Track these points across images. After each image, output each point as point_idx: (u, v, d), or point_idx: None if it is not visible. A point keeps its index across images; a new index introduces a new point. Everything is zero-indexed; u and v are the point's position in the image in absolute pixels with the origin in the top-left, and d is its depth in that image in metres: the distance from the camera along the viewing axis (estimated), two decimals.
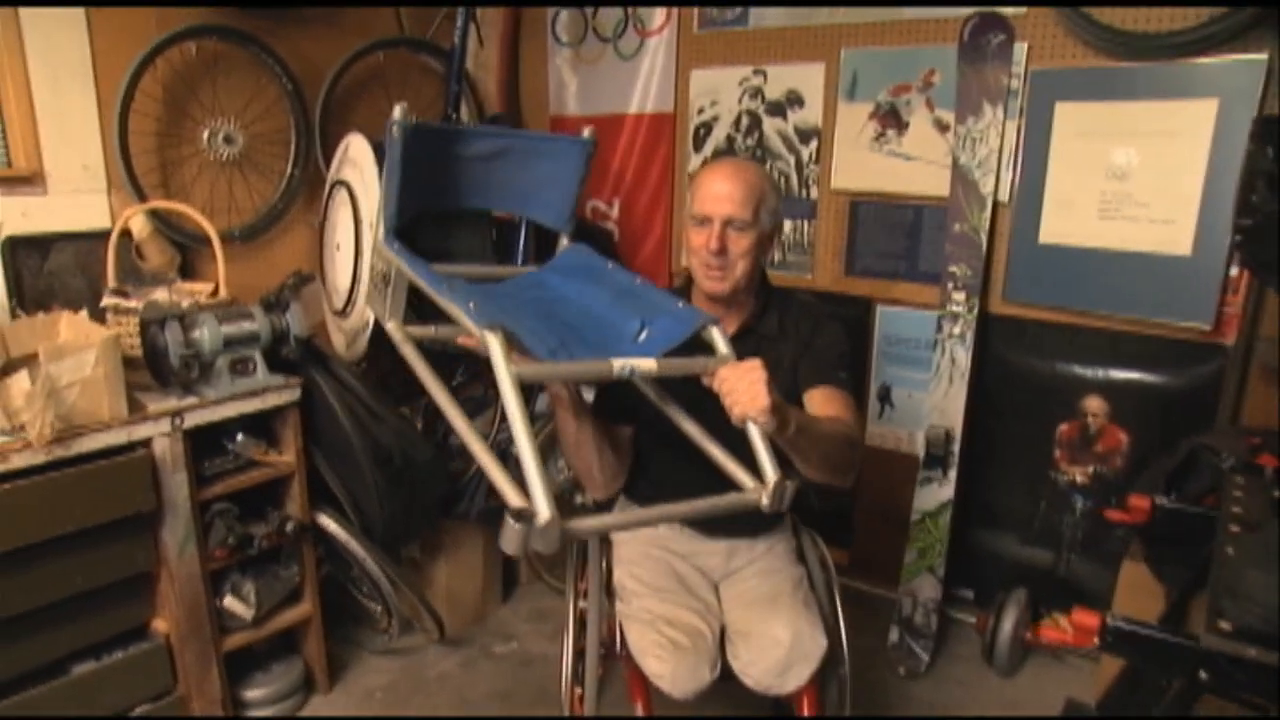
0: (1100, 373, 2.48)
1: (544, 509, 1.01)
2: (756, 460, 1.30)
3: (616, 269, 1.63)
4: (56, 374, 1.77)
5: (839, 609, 1.79)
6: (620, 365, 1.26)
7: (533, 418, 2.85)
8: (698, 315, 1.42)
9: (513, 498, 1.04)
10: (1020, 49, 2.42)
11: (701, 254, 1.68)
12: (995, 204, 2.50)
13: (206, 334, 2.01)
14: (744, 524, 1.84)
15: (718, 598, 1.78)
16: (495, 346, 1.14)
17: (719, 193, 1.66)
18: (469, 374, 2.80)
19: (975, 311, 2.53)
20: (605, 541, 1.94)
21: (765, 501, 1.26)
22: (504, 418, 2.77)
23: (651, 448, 1.80)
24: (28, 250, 2.23)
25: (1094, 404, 2.51)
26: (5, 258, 2.19)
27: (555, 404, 1.64)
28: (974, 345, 2.54)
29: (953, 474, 2.59)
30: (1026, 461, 2.63)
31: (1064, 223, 2.44)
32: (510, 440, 2.72)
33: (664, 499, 1.29)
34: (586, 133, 1.69)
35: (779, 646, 1.58)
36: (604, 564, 1.90)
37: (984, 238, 2.50)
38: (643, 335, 1.40)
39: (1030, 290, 2.53)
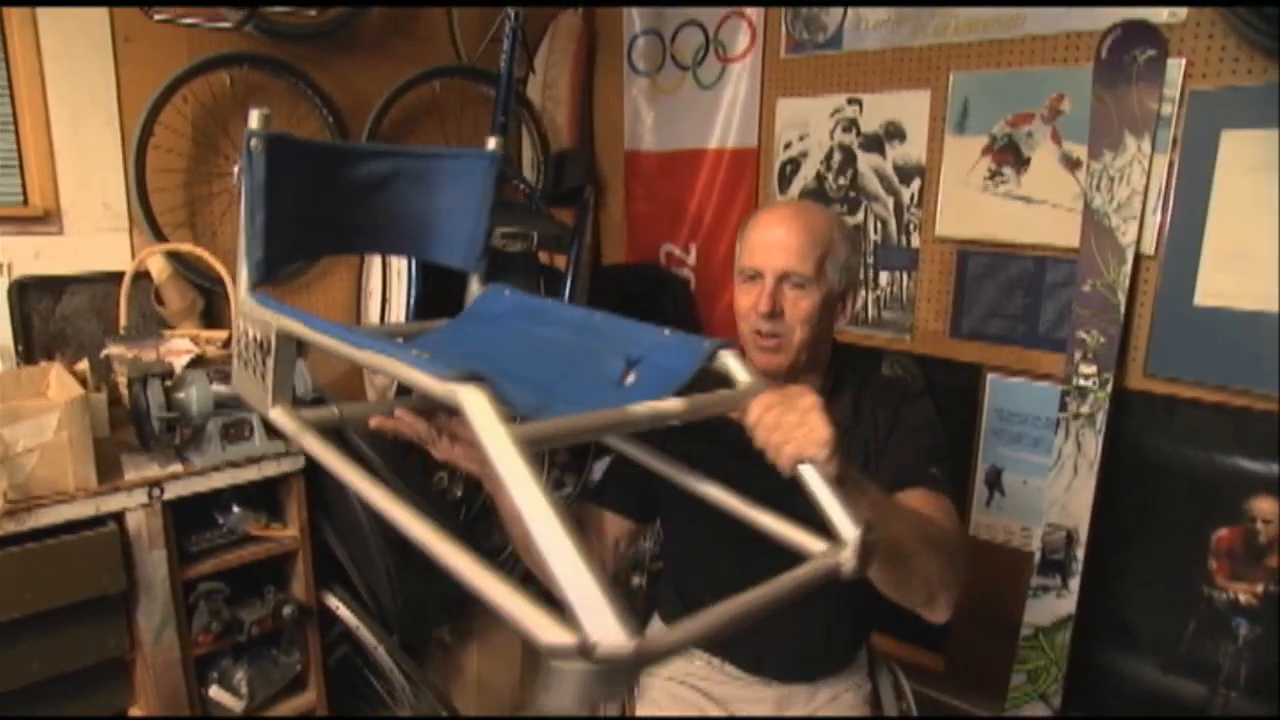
0: (1274, 468, 1.98)
1: (618, 631, 0.62)
2: (824, 515, 0.90)
3: (560, 304, 1.27)
4: (11, 439, 1.57)
5: None
6: (644, 411, 0.89)
7: (588, 488, 2.55)
8: (700, 341, 1.04)
9: (549, 629, 0.64)
10: (1175, 66, 1.97)
11: (750, 318, 1.33)
12: (1137, 257, 2.05)
13: (194, 394, 1.78)
14: (801, 663, 1.46)
15: None
16: (478, 403, 0.76)
17: (772, 240, 1.32)
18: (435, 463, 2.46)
19: (1109, 387, 2.07)
20: None
21: (851, 563, 0.86)
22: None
23: (690, 535, 1.46)
24: (39, 293, 2.09)
25: (1265, 506, 2.00)
26: (13, 301, 2.04)
27: (490, 482, 1.26)
28: (1106, 428, 2.08)
29: (1075, 584, 2.12)
30: (1172, 573, 2.13)
31: (1229, 280, 1.96)
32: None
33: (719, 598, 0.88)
34: (491, 144, 1.34)
35: None
36: (625, 700, 1.56)
37: (1122, 298, 2.05)
38: (630, 377, 1.03)
39: (1181, 363, 2.05)
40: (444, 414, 1.18)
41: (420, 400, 1.21)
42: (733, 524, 1.00)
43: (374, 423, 1.13)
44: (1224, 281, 1.99)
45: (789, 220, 1.33)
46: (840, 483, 0.92)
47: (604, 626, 0.62)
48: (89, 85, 2.10)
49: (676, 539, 1.53)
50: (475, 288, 1.37)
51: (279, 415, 1.07)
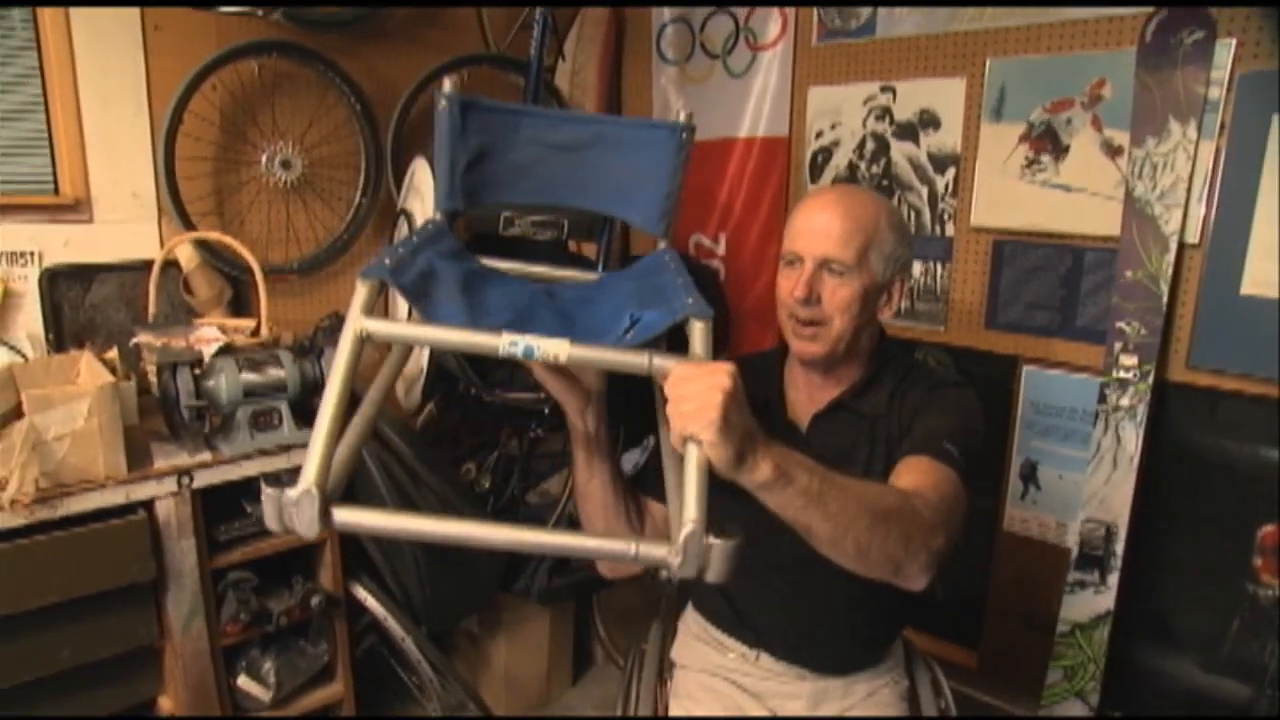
0: None
1: (306, 478, 0.83)
2: (673, 500, 0.90)
3: (678, 270, 1.23)
4: (43, 426, 1.57)
5: None
6: (510, 341, 0.88)
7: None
8: (687, 306, 1.00)
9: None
10: (1224, 48, 1.91)
11: (788, 304, 1.31)
12: (1181, 246, 1.99)
13: (224, 382, 1.78)
14: (837, 657, 1.43)
15: None
16: (359, 296, 0.95)
17: (815, 226, 1.29)
18: (547, 427, 2.49)
19: (1150, 379, 2.02)
20: (664, 661, 1.58)
21: (675, 560, 0.81)
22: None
23: (723, 522, 1.42)
24: (69, 281, 2.09)
25: None
26: (43, 289, 2.04)
27: (570, 436, 1.30)
28: (1146, 421, 2.03)
29: (1113, 580, 2.07)
30: (1215, 569, 2.07)
31: (1277, 270, 1.91)
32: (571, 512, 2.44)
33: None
34: (683, 116, 1.34)
35: None
36: (658, 691, 1.54)
37: (1164, 288, 2.00)
38: (630, 332, 1.03)
39: (1226, 355, 1.99)
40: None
41: None
42: (764, 509, 0.96)
43: None
44: (1272, 271, 1.92)
45: (833, 205, 1.30)
46: (741, 472, 0.88)
47: (306, 474, 0.84)
48: (119, 73, 2.10)
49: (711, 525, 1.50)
50: (661, 247, 1.36)
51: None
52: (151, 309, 2.09)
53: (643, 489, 1.42)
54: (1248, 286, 1.95)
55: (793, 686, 1.44)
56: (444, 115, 1.23)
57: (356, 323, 0.92)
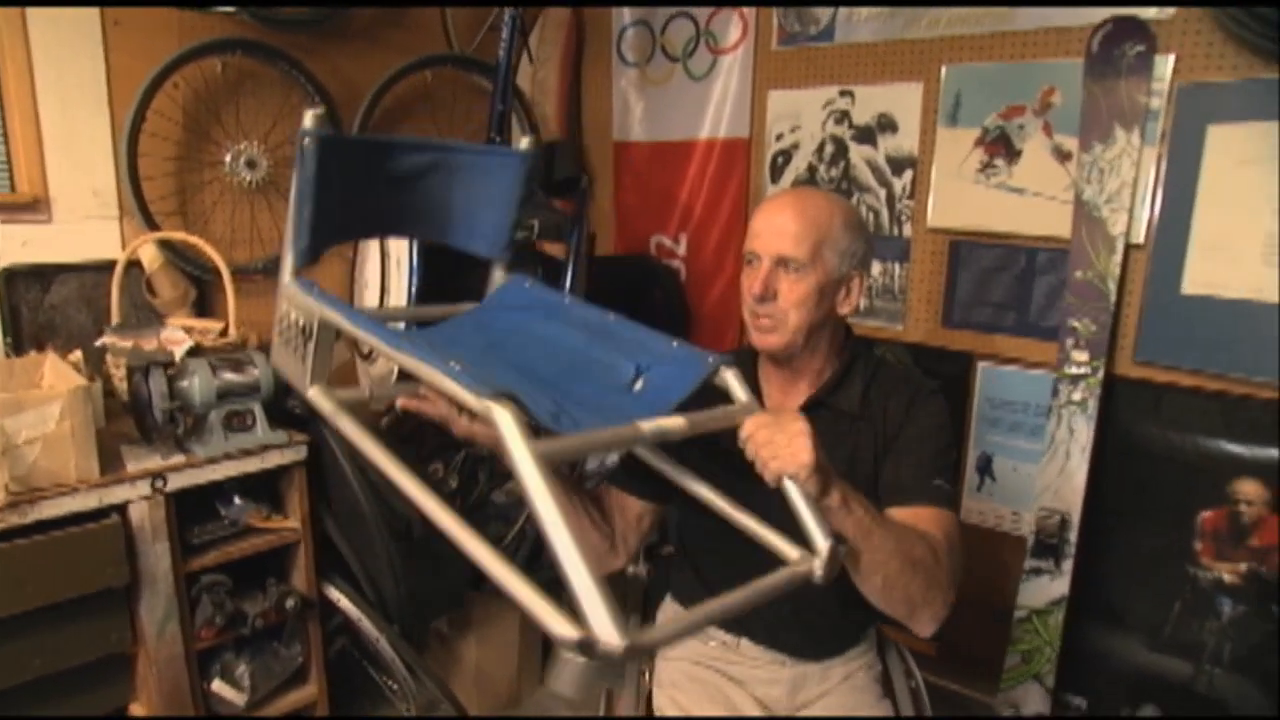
0: (1258, 452, 2.03)
1: (612, 632, 0.74)
2: (803, 526, 1.03)
3: (577, 303, 1.36)
4: (13, 429, 1.54)
5: None
6: (650, 428, 0.99)
7: (584, 475, 2.55)
8: (704, 357, 1.16)
9: (561, 625, 0.77)
10: (1164, 61, 2.02)
11: (747, 299, 1.37)
12: (1127, 246, 2.09)
13: (197, 384, 1.76)
14: (814, 642, 1.48)
15: None
16: (508, 423, 0.86)
17: (771, 226, 1.35)
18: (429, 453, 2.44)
19: (1100, 374, 2.12)
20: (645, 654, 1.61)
21: (819, 572, 1.01)
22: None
23: (703, 519, 1.47)
24: (28, 282, 2.04)
25: (1249, 489, 2.06)
26: (0, 291, 1.99)
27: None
28: (1097, 414, 2.13)
29: (1068, 566, 2.17)
30: (1160, 554, 2.18)
31: (1215, 269, 2.02)
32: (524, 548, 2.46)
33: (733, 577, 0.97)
34: (525, 143, 1.40)
35: None
36: (641, 680, 1.57)
37: (1113, 286, 2.10)
38: (639, 384, 1.13)
39: (1169, 350, 2.10)
40: None
41: None
42: (736, 533, 1.11)
43: (401, 403, 1.17)
44: (1210, 270, 2.04)
45: (789, 207, 1.36)
46: (822, 498, 1.05)
47: (607, 629, 0.74)
48: (78, 70, 2.05)
49: (690, 521, 1.54)
50: (499, 276, 1.45)
51: (316, 395, 1.13)
52: (115, 310, 2.05)
53: (617, 484, 1.49)
54: (1188, 286, 2.06)
55: (773, 672, 1.49)
56: (310, 156, 1.13)
57: (532, 451, 0.85)
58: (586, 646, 0.74)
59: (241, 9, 2.18)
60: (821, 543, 1.01)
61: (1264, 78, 1.92)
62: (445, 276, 1.47)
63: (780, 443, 1.04)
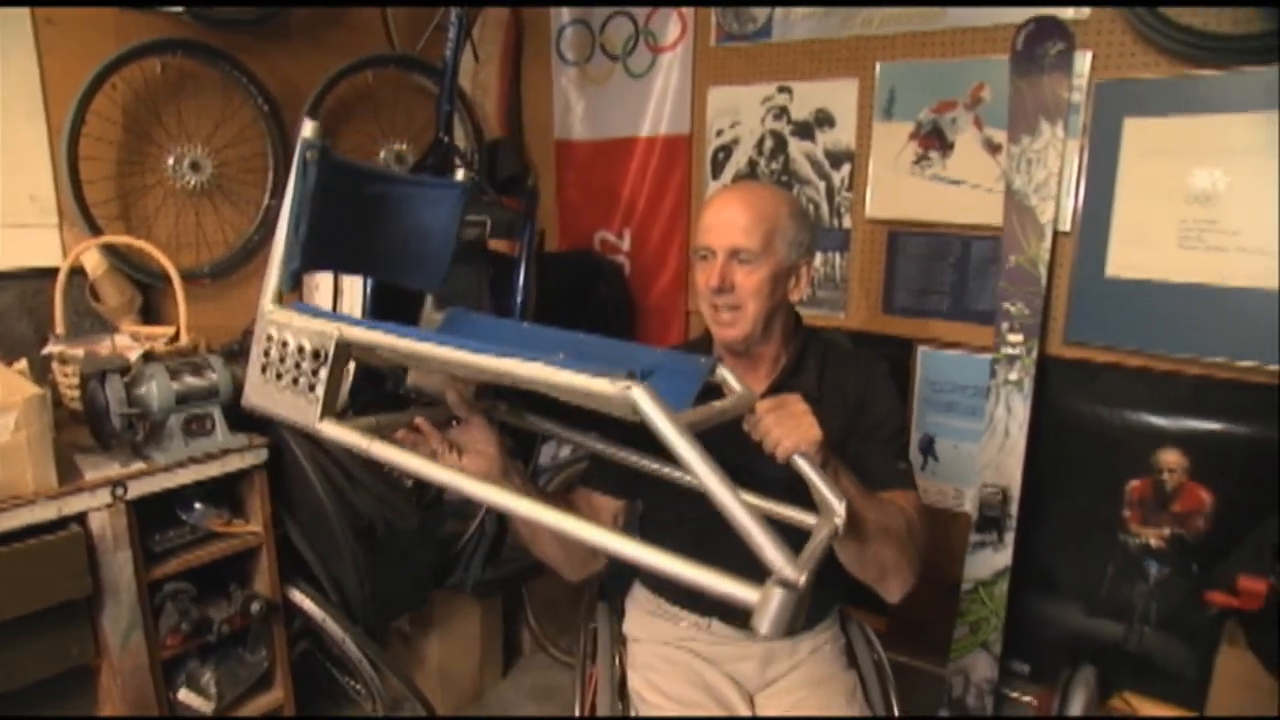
0: (1178, 423, 2.18)
1: (799, 571, 0.82)
2: (818, 493, 1.12)
3: (535, 326, 1.38)
4: None
5: None
6: (720, 406, 1.10)
7: (537, 471, 2.57)
8: (696, 359, 1.21)
9: (785, 564, 0.82)
10: (1083, 59, 2.15)
11: (706, 294, 1.42)
12: (1056, 233, 2.22)
13: (155, 389, 1.73)
14: None
15: (754, 713, 1.48)
16: (649, 402, 0.87)
17: (722, 220, 1.40)
18: None
19: (1034, 354, 2.23)
20: (619, 640, 1.65)
21: (843, 527, 1.09)
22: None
23: (671, 507, 1.52)
24: None
25: (1170, 458, 2.20)
26: None
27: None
28: (1033, 393, 2.25)
29: (1010, 538, 2.28)
30: (1092, 522, 2.32)
31: (1135, 254, 2.15)
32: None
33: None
34: (460, 175, 1.41)
35: None
36: (617, 665, 1.61)
37: (1043, 271, 2.21)
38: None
39: (1096, 330, 2.23)
40: (447, 427, 1.30)
41: (437, 413, 1.30)
42: (710, 524, 1.11)
43: (400, 435, 1.20)
44: (1130, 254, 2.17)
45: (737, 200, 1.41)
46: (824, 469, 1.15)
47: (790, 565, 0.82)
48: (9, 73, 1.99)
49: (658, 511, 1.59)
50: (429, 307, 1.40)
51: (332, 428, 1.05)
52: (58, 318, 2.00)
53: (590, 485, 1.55)
54: (1112, 268, 2.20)
55: (743, 649, 1.54)
56: (312, 170, 1.08)
57: (678, 424, 0.88)
58: (792, 584, 0.81)
59: (182, 8, 2.14)
60: (838, 503, 1.10)
61: (1173, 75, 2.05)
62: (398, 306, 1.45)
63: (790, 424, 1.14)
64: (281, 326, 1.08)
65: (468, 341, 0.99)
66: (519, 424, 1.39)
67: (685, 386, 1.15)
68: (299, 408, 1.06)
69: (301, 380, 1.05)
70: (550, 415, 1.36)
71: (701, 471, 0.85)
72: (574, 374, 0.89)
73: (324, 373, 1.02)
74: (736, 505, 0.85)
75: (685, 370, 1.18)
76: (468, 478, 1.00)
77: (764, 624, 0.81)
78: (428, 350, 1.00)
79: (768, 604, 0.81)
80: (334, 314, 1.10)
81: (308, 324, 1.05)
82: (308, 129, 1.08)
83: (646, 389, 0.87)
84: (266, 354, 1.09)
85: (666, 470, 1.27)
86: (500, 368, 0.94)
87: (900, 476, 1.43)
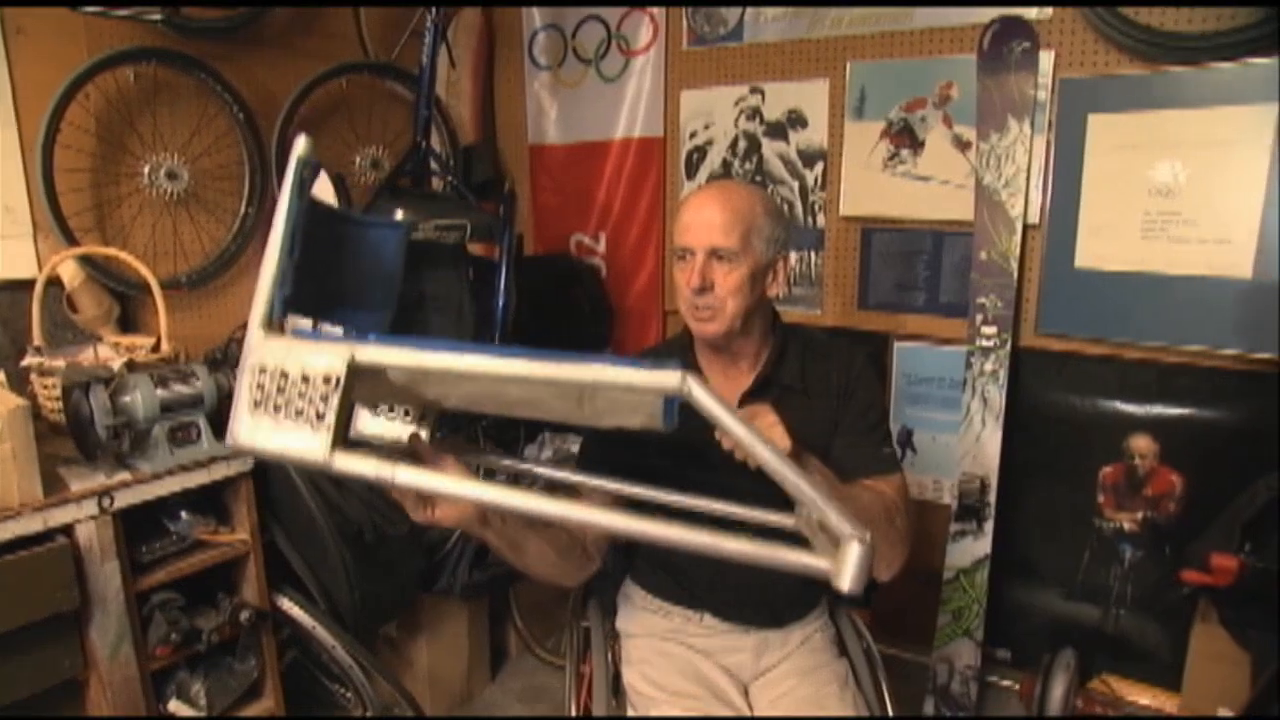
0: (1148, 409, 2.24)
1: (864, 530, 0.84)
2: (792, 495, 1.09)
3: (504, 349, 1.33)
4: None
5: (889, 709, 1.52)
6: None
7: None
8: (669, 364, 1.19)
9: (851, 526, 0.85)
10: (1047, 57, 2.20)
11: (686, 294, 1.44)
12: (1025, 227, 2.27)
13: (139, 399, 1.73)
14: (774, 612, 1.57)
15: (748, 703, 1.50)
16: (704, 394, 0.87)
17: (700, 220, 1.42)
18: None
19: (1008, 346, 2.28)
20: (611, 636, 1.67)
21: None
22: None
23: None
24: None
25: (1141, 444, 2.27)
26: None
27: (474, 528, 1.30)
28: (1008, 383, 2.30)
29: (989, 526, 2.33)
30: (1067, 508, 2.38)
31: (1102, 245, 2.21)
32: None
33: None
34: (399, 215, 1.35)
35: None
36: (609, 660, 1.63)
37: (1014, 264, 2.27)
38: None
39: (1066, 321, 2.29)
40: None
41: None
42: (699, 484, 1.16)
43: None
44: (1098, 246, 2.23)
45: (714, 200, 1.43)
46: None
47: (853, 526, 0.84)
48: None
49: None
50: None
51: (345, 459, 0.95)
52: (36, 330, 1.98)
53: (590, 465, 1.53)
54: (1080, 260, 2.25)
55: (737, 640, 1.57)
56: (308, 186, 1.01)
57: (725, 404, 0.87)
58: (865, 540, 0.83)
59: (158, 13, 2.12)
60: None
61: (1132, 73, 2.12)
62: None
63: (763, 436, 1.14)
64: (280, 356, 0.98)
65: (498, 349, 0.93)
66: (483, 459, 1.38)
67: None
68: (304, 441, 0.95)
69: (307, 410, 0.95)
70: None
71: (759, 450, 0.87)
72: (632, 370, 0.88)
73: (335, 399, 0.93)
74: (799, 478, 0.87)
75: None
76: (522, 492, 0.96)
77: (846, 581, 0.83)
78: (466, 363, 0.92)
79: (846, 562, 0.83)
80: (333, 336, 1.02)
81: (312, 348, 0.95)
82: (302, 145, 1.00)
83: (697, 379, 0.87)
84: (260, 387, 0.97)
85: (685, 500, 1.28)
86: (558, 374, 0.91)
87: (886, 461, 1.48)
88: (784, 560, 0.85)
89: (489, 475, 1.79)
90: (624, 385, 0.89)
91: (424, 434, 1.21)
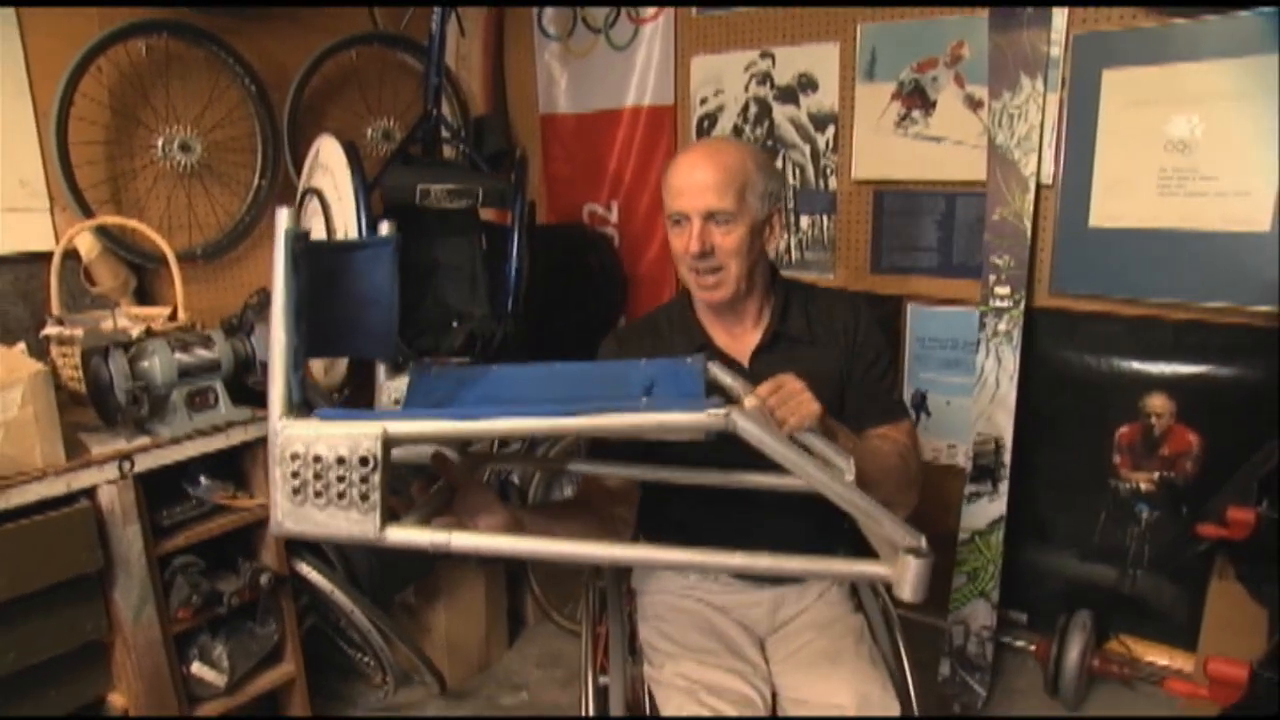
0: (1164, 368, 2.22)
1: (918, 537, 0.94)
2: (826, 459, 1.16)
3: (510, 367, 1.32)
4: None
5: (906, 663, 1.52)
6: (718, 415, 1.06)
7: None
8: (683, 360, 1.26)
9: (908, 535, 0.94)
10: (1060, 13, 2.17)
11: (685, 259, 1.43)
12: (1039, 186, 2.25)
13: (158, 363, 1.75)
14: None
15: (764, 657, 1.51)
16: (749, 424, 0.92)
17: (693, 183, 1.39)
18: None
19: (1022, 306, 2.27)
20: (627, 593, 1.67)
21: (853, 476, 1.14)
22: None
23: (668, 490, 1.53)
24: None
25: (1157, 403, 2.25)
26: None
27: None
28: (1021, 344, 2.29)
29: (1004, 488, 2.32)
30: (1083, 469, 2.37)
31: (1117, 203, 2.19)
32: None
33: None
34: (385, 229, 1.33)
35: (844, 714, 1.32)
36: (625, 618, 1.63)
37: (1028, 224, 2.25)
38: (644, 399, 1.11)
39: (1081, 280, 2.27)
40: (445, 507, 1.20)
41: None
42: (712, 448, 1.12)
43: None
44: (1112, 204, 2.21)
45: (704, 161, 1.40)
46: (825, 434, 1.20)
47: (910, 536, 0.94)
48: None
49: (653, 493, 1.59)
50: (383, 376, 1.31)
51: (398, 533, 0.96)
52: (54, 301, 2.00)
53: (601, 455, 1.50)
54: (1095, 219, 2.23)
55: (753, 596, 1.57)
56: (302, 261, 0.98)
57: (783, 438, 0.96)
58: (922, 551, 0.91)
59: None
60: (846, 465, 1.14)
61: (1146, 26, 2.09)
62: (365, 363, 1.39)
63: (791, 404, 1.16)
64: (309, 441, 0.95)
65: (523, 408, 0.97)
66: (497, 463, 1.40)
67: (692, 387, 1.17)
68: (354, 522, 0.95)
69: (350, 493, 0.94)
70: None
71: (813, 475, 0.95)
72: (667, 414, 0.93)
73: (376, 478, 0.92)
74: (855, 495, 0.96)
75: (680, 373, 1.20)
76: (578, 543, 1.06)
77: (907, 591, 0.90)
78: (490, 426, 0.96)
79: (906, 573, 0.90)
80: (359, 412, 1.00)
81: (340, 429, 0.93)
82: (284, 218, 0.97)
83: (742, 414, 0.92)
84: (296, 475, 0.95)
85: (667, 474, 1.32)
86: (586, 425, 0.95)
87: (895, 409, 1.51)
88: (844, 572, 0.95)
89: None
90: (668, 428, 0.95)
91: (448, 452, 1.20)
